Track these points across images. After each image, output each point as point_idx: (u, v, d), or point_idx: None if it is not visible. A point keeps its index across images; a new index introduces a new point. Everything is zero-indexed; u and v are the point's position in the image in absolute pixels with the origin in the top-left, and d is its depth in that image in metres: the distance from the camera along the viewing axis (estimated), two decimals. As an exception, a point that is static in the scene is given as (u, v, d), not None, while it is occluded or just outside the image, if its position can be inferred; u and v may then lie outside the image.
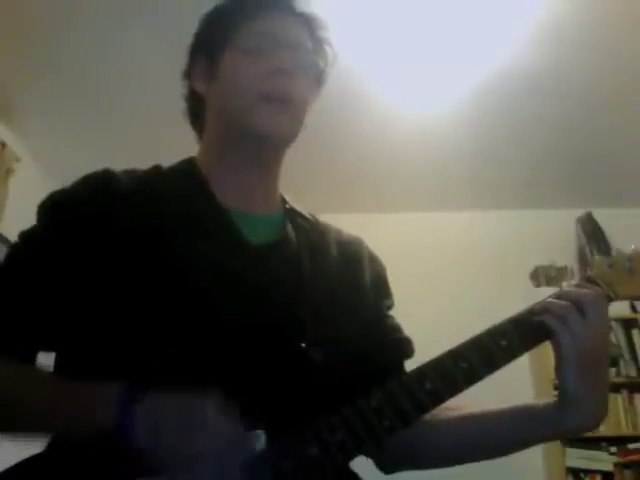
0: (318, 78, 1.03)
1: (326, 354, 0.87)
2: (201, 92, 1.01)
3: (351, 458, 0.81)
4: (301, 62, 0.97)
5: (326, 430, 0.79)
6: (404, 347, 1.03)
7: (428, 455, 0.98)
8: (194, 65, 1.02)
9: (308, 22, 1.02)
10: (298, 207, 1.05)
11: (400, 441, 0.89)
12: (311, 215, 1.06)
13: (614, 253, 0.94)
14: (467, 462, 0.96)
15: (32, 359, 0.88)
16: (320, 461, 0.77)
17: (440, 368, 0.83)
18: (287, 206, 1.04)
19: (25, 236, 0.91)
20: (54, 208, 0.91)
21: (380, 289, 1.05)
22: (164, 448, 0.71)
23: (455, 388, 0.83)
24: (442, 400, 0.83)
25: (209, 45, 1.01)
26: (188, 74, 1.03)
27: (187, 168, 1.01)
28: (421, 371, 0.83)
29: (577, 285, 0.88)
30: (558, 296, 0.86)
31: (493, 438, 0.92)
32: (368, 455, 0.95)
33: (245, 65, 0.95)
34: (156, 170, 0.99)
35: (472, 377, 0.83)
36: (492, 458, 0.94)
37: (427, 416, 0.87)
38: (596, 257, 0.94)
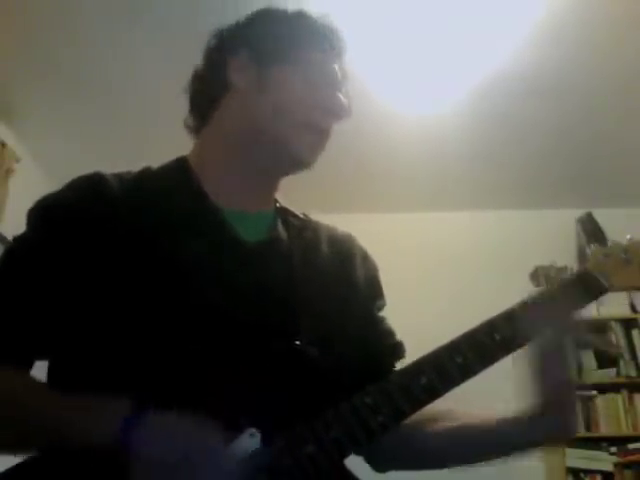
0: None
1: (321, 351, 0.87)
2: (235, 83, 0.97)
3: (347, 455, 0.81)
4: (346, 106, 1.01)
5: (321, 427, 0.79)
6: (396, 353, 1.03)
7: (420, 457, 0.99)
8: (236, 55, 0.98)
9: (342, 61, 1.04)
10: (289, 206, 1.05)
11: (394, 441, 0.90)
12: (302, 213, 1.06)
13: (610, 244, 0.95)
14: (456, 466, 0.96)
15: (28, 366, 0.88)
16: (316, 458, 0.77)
17: (436, 363, 0.83)
18: (278, 205, 1.04)
19: (17, 241, 0.91)
20: (44, 213, 0.91)
21: (373, 289, 1.06)
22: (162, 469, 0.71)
23: (451, 382, 0.82)
24: (438, 395, 0.83)
25: (265, 47, 0.98)
26: (224, 59, 0.99)
27: (178, 167, 1.00)
28: (417, 366, 0.83)
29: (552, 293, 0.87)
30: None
31: (484, 447, 0.93)
32: (360, 452, 0.94)
33: (304, 90, 0.96)
34: (146, 171, 0.99)
35: (467, 371, 0.83)
36: (480, 464, 0.94)
37: (422, 419, 0.88)
38: (592, 247, 0.95)
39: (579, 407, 3.32)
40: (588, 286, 0.91)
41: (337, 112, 0.99)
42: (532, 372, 0.84)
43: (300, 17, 1.02)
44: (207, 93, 1.01)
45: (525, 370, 0.85)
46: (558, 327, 0.85)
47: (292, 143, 0.95)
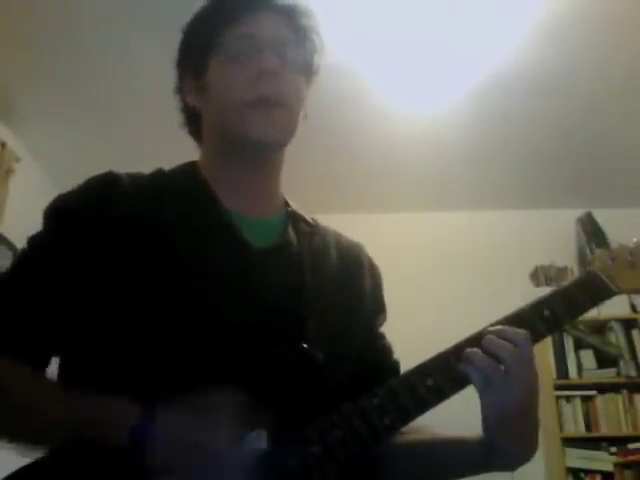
0: (307, 69, 1.01)
1: (328, 355, 0.87)
2: (194, 105, 1.01)
3: (354, 456, 0.81)
4: (284, 59, 0.96)
5: (328, 428, 0.79)
6: (393, 371, 1.03)
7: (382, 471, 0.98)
8: (183, 79, 1.02)
9: (289, 13, 0.99)
10: (300, 210, 1.05)
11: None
12: (312, 219, 1.06)
13: (616, 246, 0.93)
14: None
15: (43, 363, 0.88)
16: (322, 459, 0.78)
17: (442, 364, 0.83)
18: (289, 209, 1.04)
19: (31, 241, 0.91)
20: (59, 213, 0.91)
21: (377, 303, 1.06)
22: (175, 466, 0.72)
23: (457, 384, 0.82)
24: (444, 396, 0.82)
25: (194, 57, 1.00)
26: (179, 89, 1.03)
27: (189, 171, 1.01)
28: (423, 368, 0.83)
29: (499, 331, 0.83)
30: (479, 343, 0.82)
31: (437, 466, 0.94)
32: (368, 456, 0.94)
33: (229, 73, 0.95)
34: (159, 173, 0.99)
35: None
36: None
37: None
38: (597, 250, 0.93)
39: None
40: (594, 289, 0.90)
41: (269, 72, 0.93)
42: (479, 397, 0.83)
43: (210, 6, 1.01)
44: (190, 122, 1.05)
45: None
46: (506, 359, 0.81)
47: (245, 125, 0.93)
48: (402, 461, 0.96)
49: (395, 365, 1.05)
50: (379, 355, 1.04)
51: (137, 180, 0.95)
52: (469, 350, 0.82)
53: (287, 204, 1.05)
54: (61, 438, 0.80)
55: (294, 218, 1.02)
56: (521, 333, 0.82)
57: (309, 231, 1.02)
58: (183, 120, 1.06)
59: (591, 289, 0.90)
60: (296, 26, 0.99)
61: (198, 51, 0.99)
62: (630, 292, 0.92)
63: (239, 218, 0.95)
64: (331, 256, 1.02)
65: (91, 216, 0.89)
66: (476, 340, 0.83)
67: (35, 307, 0.86)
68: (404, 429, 0.90)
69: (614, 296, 0.90)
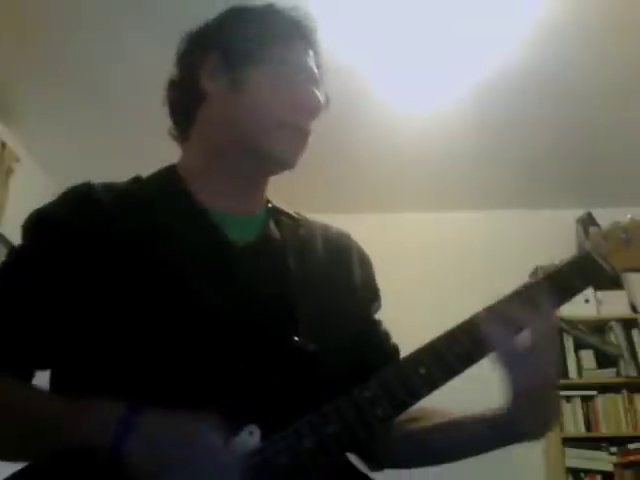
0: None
1: (319, 347, 0.86)
2: (208, 91, 0.98)
3: (347, 449, 0.80)
4: (322, 103, 0.99)
5: (320, 422, 0.78)
6: (393, 357, 1.02)
7: (400, 458, 0.99)
8: (206, 59, 0.98)
9: (317, 53, 1.02)
10: (282, 206, 1.05)
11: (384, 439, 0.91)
12: (296, 213, 1.06)
13: (609, 225, 0.91)
14: (433, 465, 0.98)
15: (28, 377, 0.88)
16: (315, 453, 0.77)
17: (434, 352, 0.82)
18: (270, 205, 1.04)
19: (11, 255, 0.92)
20: (35, 226, 0.92)
21: (370, 291, 1.05)
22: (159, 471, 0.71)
23: (450, 371, 0.82)
24: (436, 386, 0.81)
25: (236, 48, 0.97)
26: (191, 65, 0.99)
27: (167, 175, 1.00)
28: (415, 356, 0.83)
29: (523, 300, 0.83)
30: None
31: (458, 447, 0.93)
32: (359, 448, 0.94)
33: (277, 89, 0.95)
34: (136, 181, 0.99)
35: (467, 360, 0.82)
36: (455, 461, 0.95)
37: (402, 423, 0.89)
38: (592, 229, 0.91)
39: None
40: (587, 269, 0.88)
41: (313, 110, 0.97)
42: (502, 373, 0.82)
43: (270, 12, 1.01)
44: (184, 102, 1.01)
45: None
46: (529, 328, 0.81)
47: (272, 144, 0.95)
48: (414, 450, 0.96)
49: (394, 350, 1.04)
50: (377, 342, 1.03)
51: (113, 188, 0.95)
52: (489, 327, 0.81)
53: (268, 201, 1.05)
54: (43, 448, 0.79)
55: (276, 213, 1.03)
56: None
57: (293, 224, 1.02)
58: (174, 100, 1.02)
59: (583, 269, 0.88)
60: (319, 65, 1.02)
61: (244, 46, 0.97)
62: (624, 270, 0.88)
63: (220, 217, 0.95)
64: (318, 247, 1.01)
65: (67, 227, 0.88)
66: (469, 326, 0.83)
67: (17, 319, 0.86)
68: (414, 414, 0.90)
69: (607, 275, 0.87)
